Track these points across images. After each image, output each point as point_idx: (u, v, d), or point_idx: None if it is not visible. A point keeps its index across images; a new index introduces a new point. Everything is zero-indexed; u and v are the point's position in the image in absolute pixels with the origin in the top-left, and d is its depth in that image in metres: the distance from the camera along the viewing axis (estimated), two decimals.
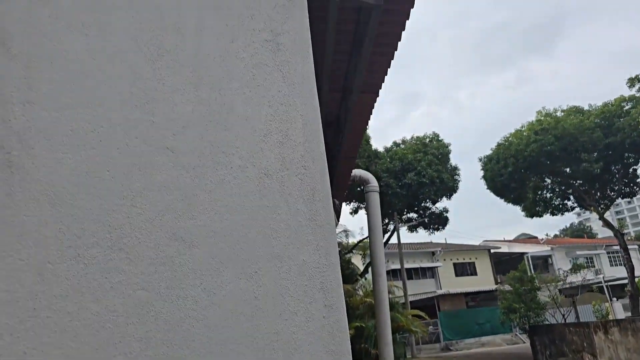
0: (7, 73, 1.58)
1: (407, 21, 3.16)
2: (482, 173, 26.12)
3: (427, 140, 25.03)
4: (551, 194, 26.72)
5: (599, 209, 25.52)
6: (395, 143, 25.75)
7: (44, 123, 1.58)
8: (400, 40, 3.34)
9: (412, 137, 25.52)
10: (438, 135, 25.30)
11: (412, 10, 3.04)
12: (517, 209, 27.68)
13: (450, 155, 25.18)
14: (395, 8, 2.97)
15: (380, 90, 4.00)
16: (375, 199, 5.83)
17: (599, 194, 25.69)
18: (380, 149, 25.13)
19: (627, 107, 22.97)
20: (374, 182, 5.77)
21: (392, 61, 3.57)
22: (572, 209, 27.26)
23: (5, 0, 1.65)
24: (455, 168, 25.11)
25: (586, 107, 24.46)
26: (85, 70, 1.69)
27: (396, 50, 3.45)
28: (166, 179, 1.70)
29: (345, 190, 6.92)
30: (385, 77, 3.78)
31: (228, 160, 1.82)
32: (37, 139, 1.56)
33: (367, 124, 4.66)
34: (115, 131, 1.67)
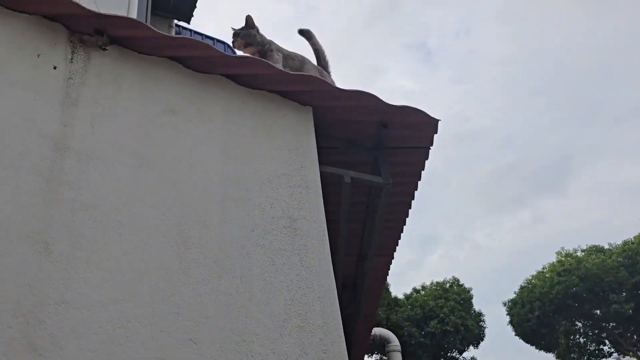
0: (47, 275, 1.71)
1: (415, 191, 3.36)
2: (508, 318, 25.10)
3: (448, 285, 24.55)
4: (585, 339, 25.29)
5: (638, 353, 23.93)
6: (414, 289, 25.25)
7: (76, 322, 1.67)
8: (410, 209, 3.52)
9: (432, 283, 25.06)
10: (458, 280, 24.84)
11: (419, 182, 3.26)
12: (552, 356, 26.05)
13: (473, 300, 24.47)
14: (404, 181, 3.18)
15: (394, 253, 4.11)
16: (397, 358, 5.64)
17: (635, 337, 24.28)
18: (400, 296, 24.57)
19: None
20: (395, 342, 5.63)
21: (404, 226, 3.72)
22: (610, 354, 25.56)
23: (52, 205, 1.84)
24: (480, 314, 24.22)
25: (606, 246, 24.19)
26: (118, 268, 1.82)
27: (407, 216, 3.62)
28: None
29: (365, 348, 6.71)
30: (399, 240, 3.91)
31: (249, 348, 1.86)
32: (68, 339, 1.64)
33: (384, 285, 4.68)
34: (142, 326, 1.75)
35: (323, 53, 3.33)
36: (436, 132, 2.86)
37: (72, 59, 2.15)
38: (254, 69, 2.48)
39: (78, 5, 2.12)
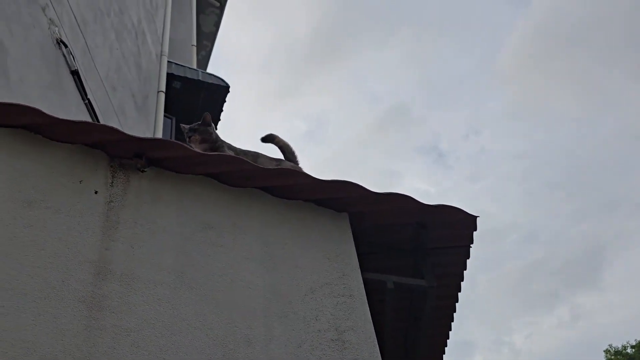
0: None
1: (459, 293, 3.22)
2: None
3: None
4: None
5: None
6: None
7: None
8: (455, 312, 3.35)
9: None
10: None
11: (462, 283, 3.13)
12: None
13: None
14: (446, 282, 3.06)
15: None
16: None
17: None
18: None
19: None
20: None
21: (450, 332, 3.52)
22: None
23: (93, 333, 1.76)
24: None
25: None
26: None
27: (453, 321, 3.43)
28: None
29: None
30: (446, 348, 3.68)
31: None
32: None
33: None
34: None
35: (288, 147, 3.38)
36: (475, 230, 2.79)
37: (112, 182, 2.18)
38: (288, 179, 2.49)
39: (119, 132, 2.20)
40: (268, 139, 3.42)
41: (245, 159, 2.42)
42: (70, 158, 2.17)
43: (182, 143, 2.36)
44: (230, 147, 3.01)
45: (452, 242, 2.86)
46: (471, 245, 2.88)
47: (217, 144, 2.90)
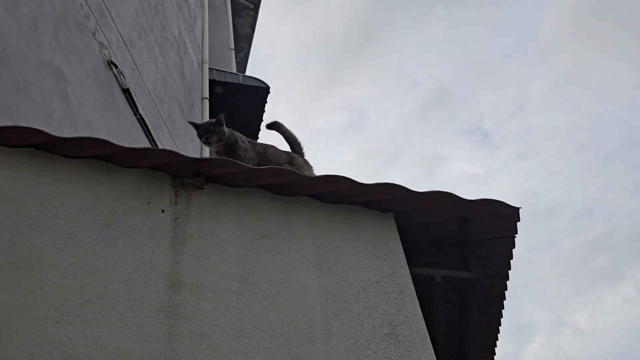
0: None
1: (507, 282, 3.31)
2: None
3: None
4: None
5: None
6: None
7: None
8: (505, 299, 3.44)
9: None
10: None
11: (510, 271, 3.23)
12: None
13: None
14: (494, 272, 3.16)
15: (496, 348, 3.94)
16: None
17: None
18: None
19: None
20: None
21: (502, 319, 3.61)
22: None
23: (173, 339, 1.98)
24: None
25: None
26: None
27: (503, 308, 3.52)
28: None
29: None
30: (499, 334, 3.78)
31: None
32: None
33: None
34: None
35: (294, 138, 3.42)
36: (519, 220, 2.88)
37: (176, 201, 2.41)
38: (334, 185, 2.65)
39: (178, 154, 2.42)
40: (273, 126, 3.47)
41: (294, 170, 2.60)
42: (137, 181, 2.41)
43: (235, 160, 2.56)
44: (242, 137, 3.12)
45: (496, 234, 2.96)
46: (515, 235, 2.97)
47: (231, 139, 3.03)
